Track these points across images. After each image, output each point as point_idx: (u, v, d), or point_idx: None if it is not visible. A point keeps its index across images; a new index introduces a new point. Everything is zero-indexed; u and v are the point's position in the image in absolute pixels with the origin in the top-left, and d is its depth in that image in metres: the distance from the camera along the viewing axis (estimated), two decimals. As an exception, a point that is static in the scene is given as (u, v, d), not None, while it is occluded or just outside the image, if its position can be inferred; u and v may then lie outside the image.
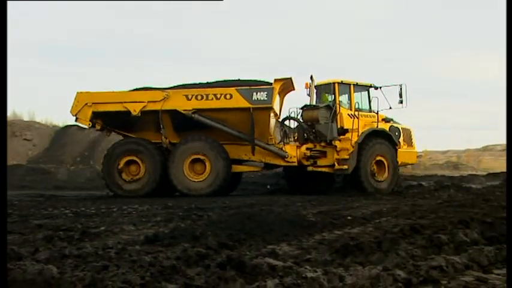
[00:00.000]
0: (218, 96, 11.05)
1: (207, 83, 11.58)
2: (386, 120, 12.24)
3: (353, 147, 11.61)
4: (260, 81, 11.37)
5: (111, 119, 11.35)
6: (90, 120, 11.17)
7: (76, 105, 11.18)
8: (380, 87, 12.01)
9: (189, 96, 11.11)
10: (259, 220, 5.31)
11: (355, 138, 11.60)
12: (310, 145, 11.72)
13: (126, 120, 11.24)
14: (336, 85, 11.83)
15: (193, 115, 11.11)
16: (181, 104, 11.14)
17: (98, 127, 11.59)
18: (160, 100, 11.12)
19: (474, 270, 3.42)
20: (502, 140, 31.44)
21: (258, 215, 5.58)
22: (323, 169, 11.76)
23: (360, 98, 12.04)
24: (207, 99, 11.06)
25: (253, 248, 4.12)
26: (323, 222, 5.92)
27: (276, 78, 11.23)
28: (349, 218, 6.47)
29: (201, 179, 11.22)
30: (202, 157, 11.24)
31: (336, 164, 11.68)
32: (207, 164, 11.24)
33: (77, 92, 11.28)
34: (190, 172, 11.19)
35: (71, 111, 11.23)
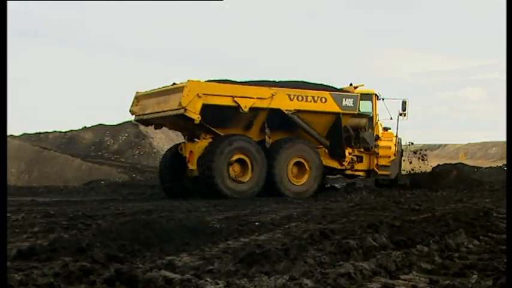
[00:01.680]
0: (315, 98, 12.12)
1: (278, 81, 12.34)
2: (385, 129, 14.56)
3: (395, 155, 14.07)
4: (321, 84, 12.66)
5: (213, 114, 11.28)
6: (199, 114, 11.08)
7: (187, 95, 11.02)
8: (383, 99, 14.09)
9: (292, 96, 11.87)
10: (156, 228, 5.19)
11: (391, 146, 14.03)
12: (349, 150, 13.27)
13: (223, 116, 11.43)
14: (374, 96, 13.82)
15: (293, 116, 11.90)
16: (285, 103, 11.80)
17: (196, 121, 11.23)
18: (268, 98, 11.63)
19: (382, 276, 3.64)
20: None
21: (155, 223, 5.45)
22: (359, 173, 13.72)
23: (370, 107, 13.95)
24: (306, 100, 12.01)
25: (148, 260, 4.01)
26: (228, 229, 5.95)
27: (355, 85, 13.06)
28: (257, 223, 6.57)
29: (300, 183, 12.13)
30: (302, 160, 12.14)
31: (377, 170, 13.77)
32: (306, 167, 12.21)
33: (188, 80, 11.20)
34: (291, 175, 12.05)
35: (180, 102, 10.95)
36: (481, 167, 23.57)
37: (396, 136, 14.36)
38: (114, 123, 27.02)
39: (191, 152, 11.82)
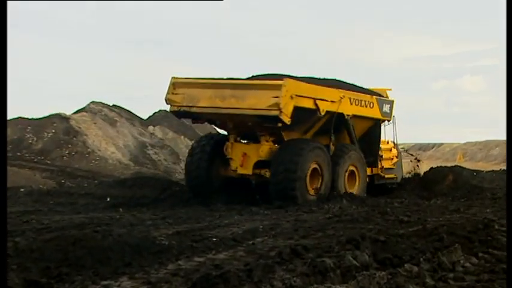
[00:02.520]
0: (366, 103, 13.43)
1: (321, 79, 13.41)
2: None
3: (397, 156, 15.16)
4: (355, 85, 13.80)
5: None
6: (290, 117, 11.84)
7: (285, 96, 11.71)
8: None
9: (352, 100, 13.07)
10: (90, 246, 5.12)
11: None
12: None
13: (293, 119, 12.01)
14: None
15: (350, 121, 13.12)
16: (347, 107, 12.96)
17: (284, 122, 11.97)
18: (337, 101, 12.67)
19: (363, 301, 3.70)
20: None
21: (89, 239, 5.38)
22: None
23: None
24: (360, 105, 13.27)
25: (78, 286, 3.95)
26: (180, 246, 5.94)
27: (386, 89, 14.25)
28: (214, 239, 6.58)
29: (353, 191, 13.14)
30: (354, 168, 13.25)
31: (382, 174, 14.54)
32: (356, 176, 13.33)
33: (286, 80, 11.89)
34: (347, 184, 13.10)
35: (278, 103, 11.61)
36: (482, 171, 24.02)
37: (394, 137, 15.10)
38: (38, 117, 26.54)
39: (245, 154, 12.71)
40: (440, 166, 17.29)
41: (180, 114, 13.29)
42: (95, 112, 28.80)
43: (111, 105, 31.98)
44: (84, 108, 29.30)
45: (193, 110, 12.69)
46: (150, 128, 32.29)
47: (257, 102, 11.92)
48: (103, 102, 31.25)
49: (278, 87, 11.86)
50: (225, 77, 13.02)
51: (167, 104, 13.00)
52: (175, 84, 12.88)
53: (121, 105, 32.93)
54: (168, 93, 12.84)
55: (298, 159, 12.00)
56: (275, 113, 11.71)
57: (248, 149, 12.69)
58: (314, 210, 11.05)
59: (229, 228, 7.88)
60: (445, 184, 15.20)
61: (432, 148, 56.90)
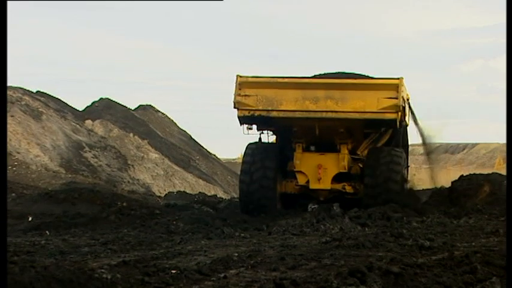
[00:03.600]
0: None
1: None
2: None
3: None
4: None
5: None
6: None
7: (401, 96, 13.92)
8: None
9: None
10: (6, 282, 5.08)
11: None
12: None
13: None
14: None
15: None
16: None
17: None
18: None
19: None
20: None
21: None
22: None
23: None
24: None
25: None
26: (127, 281, 5.92)
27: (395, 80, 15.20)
28: (173, 271, 6.58)
29: None
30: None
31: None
32: None
33: (402, 78, 13.87)
34: None
35: (396, 104, 13.75)
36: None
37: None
38: None
39: (320, 166, 14.27)
40: (473, 174, 17.24)
41: (252, 120, 14.47)
42: (12, 101, 28.61)
43: (34, 92, 31.82)
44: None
45: (273, 114, 14.01)
46: (88, 122, 32.27)
47: (364, 104, 13.65)
48: (23, 87, 31.09)
49: (393, 87, 13.60)
50: (308, 76, 14.74)
51: (235, 107, 14.08)
52: (243, 84, 14.04)
53: (48, 92, 32.86)
54: (237, 94, 14.00)
55: (398, 168, 14.22)
56: (392, 116, 13.75)
57: (325, 160, 14.32)
58: (306, 232, 11.10)
59: (193, 257, 7.90)
60: (480, 197, 15.25)
61: (463, 150, 57.13)
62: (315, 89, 13.96)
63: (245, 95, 13.94)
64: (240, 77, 14.05)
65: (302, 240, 9.85)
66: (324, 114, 13.83)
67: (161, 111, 40.36)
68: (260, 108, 13.92)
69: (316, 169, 14.22)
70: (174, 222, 12.61)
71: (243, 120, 14.40)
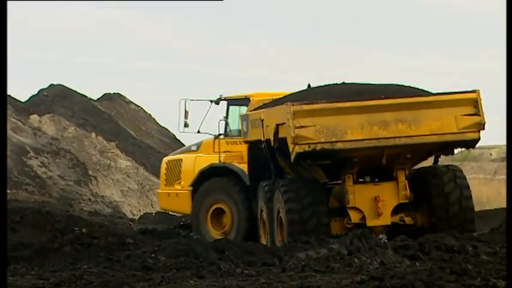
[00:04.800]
0: None
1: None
2: None
3: None
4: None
5: None
6: None
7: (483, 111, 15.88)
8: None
9: None
10: None
11: None
12: None
13: None
14: None
15: None
16: None
17: None
18: None
19: None
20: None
21: None
22: None
23: None
24: None
25: None
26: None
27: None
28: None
29: None
30: None
31: None
32: None
33: (478, 91, 15.47)
34: None
35: (480, 122, 15.42)
36: None
37: None
38: None
39: (377, 198, 15.69)
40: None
41: (312, 155, 15.61)
42: None
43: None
44: None
45: (339, 146, 15.24)
46: (34, 118, 32.33)
47: (441, 124, 15.31)
48: None
49: (471, 102, 15.29)
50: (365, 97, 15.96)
51: (293, 143, 15.20)
52: (297, 114, 15.21)
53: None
54: (292, 128, 15.10)
55: (466, 183, 16.11)
56: (474, 136, 15.47)
57: (382, 191, 15.85)
58: (335, 269, 11.06)
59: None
60: None
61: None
62: (381, 112, 15.39)
63: (301, 127, 15.07)
64: (294, 106, 15.15)
65: (328, 280, 9.84)
66: (397, 141, 15.33)
67: (134, 102, 40.37)
68: (322, 140, 15.17)
69: (374, 203, 15.68)
70: (153, 255, 12.57)
71: (302, 157, 15.59)
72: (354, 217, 15.63)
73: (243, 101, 21.05)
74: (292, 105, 15.23)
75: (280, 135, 15.68)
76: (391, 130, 15.26)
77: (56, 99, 34.71)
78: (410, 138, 15.30)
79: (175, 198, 21.55)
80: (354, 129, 15.26)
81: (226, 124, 21.31)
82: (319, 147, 15.18)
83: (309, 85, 19.33)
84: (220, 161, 20.21)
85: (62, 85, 36.29)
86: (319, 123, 15.23)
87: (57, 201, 24.92)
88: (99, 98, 38.42)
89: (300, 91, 17.81)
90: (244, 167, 19.96)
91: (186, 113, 21.33)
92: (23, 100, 34.56)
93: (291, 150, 15.35)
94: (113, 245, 13.82)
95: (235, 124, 21.10)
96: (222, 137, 21.03)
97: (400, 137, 15.27)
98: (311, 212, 15.50)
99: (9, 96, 32.84)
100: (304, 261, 11.59)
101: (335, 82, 17.39)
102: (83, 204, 25.85)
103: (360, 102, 15.60)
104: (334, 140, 15.19)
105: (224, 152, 20.57)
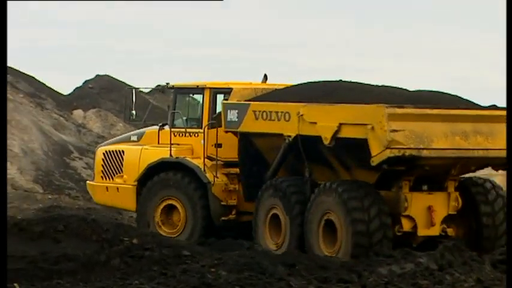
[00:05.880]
0: None
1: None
2: None
3: None
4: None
5: None
6: None
7: None
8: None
9: None
10: None
11: None
12: None
13: None
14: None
15: None
16: None
17: None
18: None
19: None
20: None
21: None
22: None
23: None
24: None
25: None
26: None
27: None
28: None
29: None
30: None
31: None
32: None
33: None
34: None
35: None
36: None
37: None
38: None
39: (431, 208, 16.79)
40: None
41: (398, 161, 16.44)
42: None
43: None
44: None
45: (425, 153, 16.33)
46: (78, 113, 32.49)
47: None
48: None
49: None
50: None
51: (387, 147, 16.13)
52: (391, 117, 16.19)
53: (16, 67, 33.14)
54: (388, 131, 16.07)
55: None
56: None
57: (434, 201, 16.97)
58: (422, 286, 10.95)
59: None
60: None
61: None
62: (462, 122, 16.71)
63: (394, 130, 16.09)
64: (388, 108, 16.16)
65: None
66: (475, 153, 16.72)
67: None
68: (412, 146, 16.20)
69: (428, 212, 16.82)
70: (212, 270, 12.68)
71: (391, 161, 16.32)
72: (406, 225, 16.61)
73: (195, 90, 21.69)
74: (386, 107, 16.08)
75: (345, 135, 16.51)
76: (471, 141, 16.56)
77: (103, 91, 34.90)
78: (487, 151, 16.66)
79: (116, 193, 21.88)
80: (439, 138, 16.45)
81: (174, 114, 21.67)
82: (408, 153, 16.05)
83: (265, 75, 21.27)
84: (171, 155, 20.74)
85: (109, 76, 36.35)
86: (408, 129, 16.21)
87: (104, 208, 24.99)
88: (151, 91, 38.44)
89: (296, 85, 19.55)
90: (198, 162, 20.59)
91: (133, 103, 22.07)
92: (65, 93, 34.78)
93: (375, 153, 16.06)
94: (167, 257, 13.82)
95: (183, 114, 21.65)
96: (166, 127, 21.53)
97: (478, 149, 16.61)
98: (378, 224, 16.24)
99: (51, 89, 33.26)
100: (387, 277, 11.52)
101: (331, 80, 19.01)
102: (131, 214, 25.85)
103: (444, 110, 16.70)
104: (421, 146, 16.21)
105: (172, 144, 20.96)
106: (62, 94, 34.28)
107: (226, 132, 19.70)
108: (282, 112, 17.65)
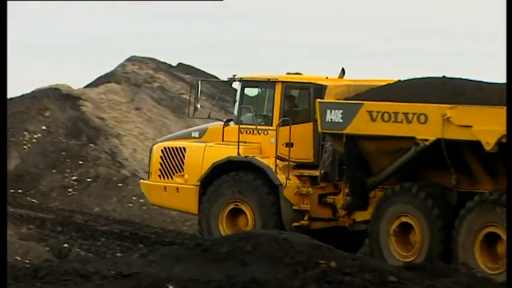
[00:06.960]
0: None
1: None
2: None
3: None
4: None
5: None
6: None
7: None
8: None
9: None
10: None
11: None
12: None
13: None
14: None
15: None
16: None
17: None
18: None
19: None
20: None
21: None
22: None
23: None
24: None
25: None
26: None
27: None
28: None
29: None
30: None
31: None
32: None
33: None
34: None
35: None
36: None
37: None
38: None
39: None
40: None
41: None
42: (138, 84, 29.51)
43: (174, 65, 32.71)
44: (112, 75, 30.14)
45: None
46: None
47: None
48: (153, 58, 32.04)
49: None
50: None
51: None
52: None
53: (196, 66, 33.53)
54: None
55: None
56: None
57: None
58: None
59: None
60: None
61: None
62: None
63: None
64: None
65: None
66: None
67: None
68: None
69: None
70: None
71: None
72: None
73: (265, 83, 22.54)
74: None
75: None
76: None
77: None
78: None
79: (175, 194, 22.70)
80: None
81: (241, 109, 22.45)
82: None
83: (342, 70, 22.56)
84: (239, 154, 21.53)
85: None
86: None
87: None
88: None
89: (402, 81, 20.49)
90: (268, 162, 21.23)
91: (198, 96, 23.16)
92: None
93: None
94: (369, 283, 13.85)
95: (249, 110, 22.57)
96: (232, 123, 22.46)
97: None
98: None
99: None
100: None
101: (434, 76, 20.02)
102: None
103: None
104: None
105: (239, 142, 21.73)
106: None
107: (323, 134, 20.33)
108: (414, 113, 18.02)
